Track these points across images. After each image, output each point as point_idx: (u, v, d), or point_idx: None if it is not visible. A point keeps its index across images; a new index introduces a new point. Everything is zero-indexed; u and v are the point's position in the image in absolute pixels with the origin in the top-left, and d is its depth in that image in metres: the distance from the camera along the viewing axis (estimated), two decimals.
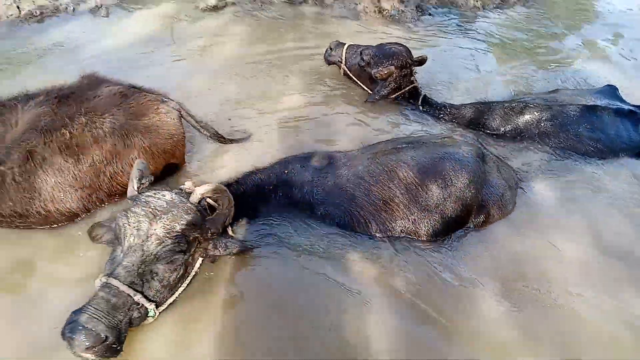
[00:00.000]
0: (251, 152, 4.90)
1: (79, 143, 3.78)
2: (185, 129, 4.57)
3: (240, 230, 3.84)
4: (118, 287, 2.88)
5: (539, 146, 5.11)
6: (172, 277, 3.16)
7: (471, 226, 4.07)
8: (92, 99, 4.04)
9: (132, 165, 3.83)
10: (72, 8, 7.96)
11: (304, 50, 6.99)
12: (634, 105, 5.43)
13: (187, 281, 3.31)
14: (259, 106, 5.70)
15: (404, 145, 4.29)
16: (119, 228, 3.08)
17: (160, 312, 3.16)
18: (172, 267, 3.13)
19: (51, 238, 3.83)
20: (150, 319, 3.12)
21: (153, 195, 3.19)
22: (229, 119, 5.40)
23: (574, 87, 6.14)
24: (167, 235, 3.05)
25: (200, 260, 3.39)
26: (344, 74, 6.16)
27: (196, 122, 4.69)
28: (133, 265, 2.97)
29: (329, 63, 6.34)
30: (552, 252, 3.87)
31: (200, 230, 3.22)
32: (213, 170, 4.63)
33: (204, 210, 3.36)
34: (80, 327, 2.66)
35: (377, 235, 3.85)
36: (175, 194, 3.25)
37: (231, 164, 4.65)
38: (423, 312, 3.36)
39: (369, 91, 5.84)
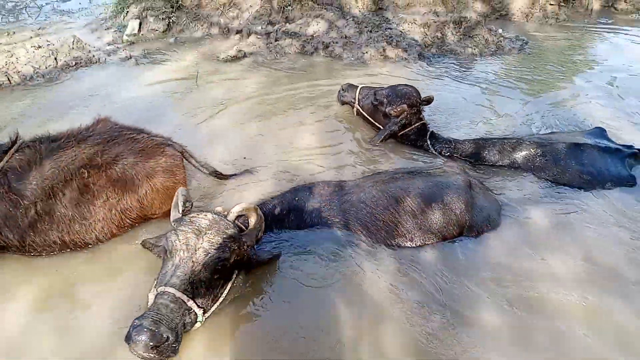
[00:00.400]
0: (258, 183, 5.41)
1: (95, 182, 4.27)
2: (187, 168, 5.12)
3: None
4: (174, 294, 3.29)
5: (534, 178, 5.61)
6: (216, 286, 3.61)
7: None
8: (106, 142, 4.52)
9: (139, 201, 4.44)
10: (104, 59, 8.74)
11: (317, 92, 7.64)
12: (619, 145, 5.96)
13: (225, 291, 3.72)
14: (274, 142, 6.26)
15: (400, 175, 4.85)
16: (170, 244, 3.55)
17: (205, 319, 3.55)
18: (216, 277, 3.57)
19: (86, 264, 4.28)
20: (198, 325, 3.48)
21: (196, 216, 3.70)
22: (244, 157, 5.89)
23: (566, 127, 6.69)
24: (212, 248, 3.52)
25: (235, 272, 3.82)
26: (357, 113, 6.72)
27: (196, 162, 5.18)
28: (185, 275, 3.41)
29: (343, 103, 6.99)
30: (542, 265, 4.32)
31: (238, 243, 3.68)
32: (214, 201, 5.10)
33: (239, 226, 3.87)
34: (145, 330, 3.03)
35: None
36: (214, 214, 3.76)
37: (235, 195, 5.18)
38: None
39: (381, 127, 6.36)
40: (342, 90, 6.93)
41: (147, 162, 4.58)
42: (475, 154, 5.95)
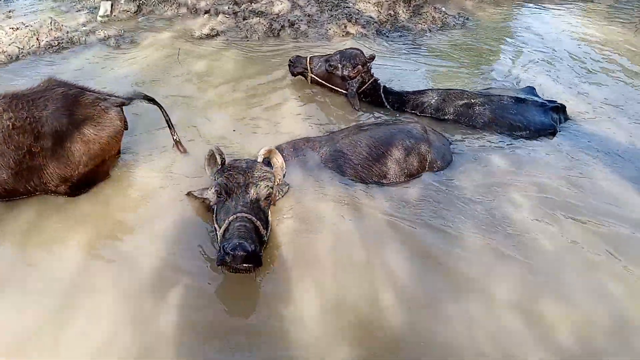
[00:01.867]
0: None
1: (20, 132, 4.55)
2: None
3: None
4: (245, 216, 4.01)
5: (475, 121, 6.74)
6: (267, 212, 4.38)
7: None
8: (39, 98, 4.74)
9: (62, 156, 4.72)
10: (83, 39, 9.22)
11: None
12: (545, 100, 7.16)
13: (270, 219, 4.46)
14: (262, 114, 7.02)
15: (367, 127, 5.91)
16: (222, 187, 4.30)
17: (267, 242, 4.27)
18: (266, 203, 4.35)
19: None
20: (265, 246, 4.19)
21: (234, 162, 4.55)
22: (233, 130, 6.51)
23: (502, 86, 7.97)
24: (258, 180, 4.31)
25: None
26: (311, 81, 7.51)
27: (169, 123, 5.67)
28: (246, 202, 4.17)
29: (295, 74, 7.64)
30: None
31: (273, 176, 4.48)
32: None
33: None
34: (238, 245, 3.65)
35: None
36: (246, 159, 4.65)
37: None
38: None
39: (339, 90, 7.26)
40: (292, 62, 7.56)
41: (77, 114, 4.80)
42: (423, 103, 7.01)
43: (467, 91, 7.08)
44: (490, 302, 4.01)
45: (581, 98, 7.57)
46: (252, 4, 10.72)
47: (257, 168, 4.44)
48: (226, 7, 10.61)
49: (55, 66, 8.22)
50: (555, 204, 5.14)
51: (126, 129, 5.40)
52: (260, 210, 4.25)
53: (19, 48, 8.56)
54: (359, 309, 3.91)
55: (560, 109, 6.98)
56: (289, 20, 10.13)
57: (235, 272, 3.83)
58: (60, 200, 4.96)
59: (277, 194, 4.70)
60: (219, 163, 4.53)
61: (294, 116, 6.87)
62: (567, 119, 6.98)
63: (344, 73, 7.13)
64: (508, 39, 10.04)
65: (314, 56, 7.59)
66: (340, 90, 7.31)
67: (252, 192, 4.26)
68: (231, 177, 4.33)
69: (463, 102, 6.86)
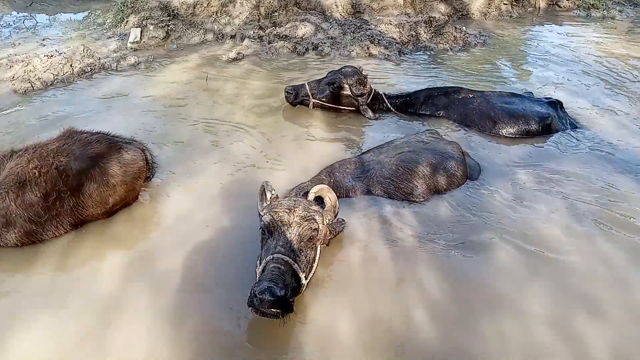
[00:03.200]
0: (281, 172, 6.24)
1: (47, 179, 4.66)
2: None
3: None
4: (282, 258, 3.86)
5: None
6: (310, 254, 4.15)
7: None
8: (62, 145, 4.93)
9: (90, 196, 4.81)
10: (115, 65, 9.53)
11: None
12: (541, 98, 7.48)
13: (317, 261, 4.24)
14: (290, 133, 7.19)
15: (406, 148, 5.86)
16: (267, 225, 4.15)
17: (305, 286, 4.06)
18: (309, 245, 4.14)
19: None
20: (303, 288, 4.00)
21: (283, 200, 4.40)
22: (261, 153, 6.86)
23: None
24: (302, 220, 4.14)
25: (319, 246, 4.31)
26: (313, 106, 7.52)
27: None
28: (286, 243, 4.00)
29: (296, 104, 7.60)
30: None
31: (322, 217, 4.29)
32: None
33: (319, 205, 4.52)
34: (267, 288, 3.55)
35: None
36: (295, 197, 4.52)
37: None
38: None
39: (345, 108, 7.43)
40: (290, 93, 7.52)
41: (100, 160, 4.98)
42: (426, 101, 7.36)
43: (464, 87, 7.51)
44: (523, 318, 4.00)
45: (607, 113, 7.59)
46: (277, 28, 11.01)
47: (303, 207, 4.29)
48: (251, 32, 10.90)
49: (88, 91, 8.50)
50: (587, 219, 5.14)
51: (149, 176, 5.64)
52: (301, 252, 4.09)
53: (53, 75, 8.88)
54: (393, 326, 3.94)
55: (557, 104, 7.20)
56: (312, 43, 10.37)
57: (262, 316, 3.66)
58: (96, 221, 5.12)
59: (327, 234, 4.44)
60: (268, 199, 4.45)
61: (322, 135, 7.01)
62: (565, 115, 7.22)
63: (354, 91, 7.25)
64: (528, 56, 10.17)
65: (310, 81, 7.64)
66: (346, 108, 7.46)
67: (295, 233, 4.12)
68: (276, 214, 4.18)
69: (462, 96, 7.22)
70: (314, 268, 4.19)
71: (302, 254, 4.07)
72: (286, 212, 4.17)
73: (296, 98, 7.54)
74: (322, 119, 7.45)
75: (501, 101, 7.04)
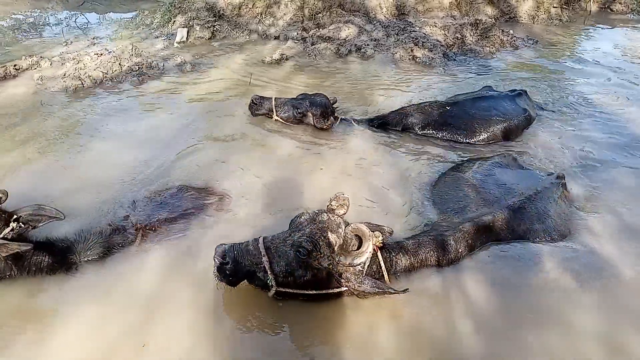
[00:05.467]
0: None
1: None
2: None
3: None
4: (258, 242, 3.85)
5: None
6: (298, 272, 3.82)
7: None
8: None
9: None
10: (162, 64, 9.72)
11: (357, 88, 8.68)
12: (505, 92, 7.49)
13: (312, 290, 3.91)
14: None
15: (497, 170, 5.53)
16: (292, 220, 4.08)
17: (278, 295, 3.93)
18: (300, 262, 3.80)
19: None
20: (271, 291, 3.88)
21: (322, 210, 4.02)
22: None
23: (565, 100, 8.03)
24: (308, 234, 3.82)
25: (341, 287, 3.92)
26: (276, 120, 7.25)
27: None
28: (277, 239, 3.90)
29: (257, 115, 7.31)
30: None
31: (331, 251, 3.79)
32: None
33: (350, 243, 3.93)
34: (219, 247, 3.84)
35: None
36: (335, 217, 3.95)
37: None
38: None
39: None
40: (255, 103, 7.25)
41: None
42: (400, 121, 7.20)
43: (437, 101, 7.43)
44: (571, 333, 3.88)
45: None
46: (320, 29, 11.02)
47: (326, 227, 3.86)
48: (295, 33, 10.94)
49: (135, 90, 8.70)
50: (638, 231, 4.95)
51: None
52: (284, 258, 3.84)
53: (103, 73, 9.12)
54: (435, 335, 3.87)
55: (523, 94, 7.38)
56: (355, 44, 10.34)
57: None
58: None
59: (351, 280, 3.88)
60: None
61: (364, 141, 6.93)
62: (536, 103, 7.45)
63: (316, 123, 7.02)
64: (579, 61, 9.84)
65: (278, 98, 7.38)
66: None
67: (294, 237, 3.89)
68: (303, 217, 4.02)
69: (439, 111, 7.06)
70: (303, 290, 3.91)
71: (286, 260, 3.83)
72: (309, 219, 3.94)
73: (258, 110, 7.28)
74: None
75: (479, 108, 7.03)
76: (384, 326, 3.93)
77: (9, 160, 6.33)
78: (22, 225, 4.28)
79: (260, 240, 3.94)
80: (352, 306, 4.08)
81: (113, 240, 4.62)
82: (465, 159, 6.31)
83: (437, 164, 6.24)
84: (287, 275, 3.86)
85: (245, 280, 4.01)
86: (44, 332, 3.87)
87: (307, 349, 3.77)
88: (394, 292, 3.85)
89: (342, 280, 3.87)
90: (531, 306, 4.12)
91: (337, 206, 3.89)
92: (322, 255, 3.80)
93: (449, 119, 6.94)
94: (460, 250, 4.44)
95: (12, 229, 4.19)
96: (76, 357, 3.71)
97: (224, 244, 3.94)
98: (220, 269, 3.87)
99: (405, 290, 3.89)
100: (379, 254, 4.06)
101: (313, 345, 3.80)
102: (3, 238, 4.10)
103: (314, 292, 3.94)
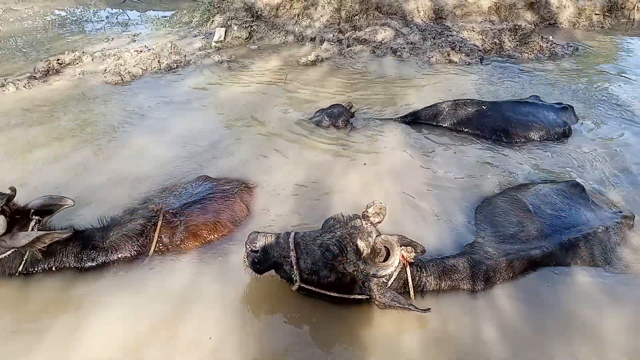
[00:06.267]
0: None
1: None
2: None
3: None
4: (288, 236, 3.93)
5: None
6: (323, 272, 3.84)
7: None
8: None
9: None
10: (200, 62, 9.88)
11: (390, 93, 8.66)
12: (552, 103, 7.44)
13: (340, 294, 3.93)
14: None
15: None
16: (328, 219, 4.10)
17: (301, 291, 3.98)
18: (325, 263, 3.81)
19: None
20: (294, 286, 3.94)
21: (359, 215, 4.00)
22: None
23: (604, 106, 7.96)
24: (339, 240, 3.82)
25: (362, 295, 3.90)
26: None
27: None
28: (307, 237, 3.96)
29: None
30: None
31: (357, 256, 3.75)
32: None
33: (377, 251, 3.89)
34: (253, 236, 3.92)
35: None
36: (368, 224, 3.90)
37: None
38: None
39: None
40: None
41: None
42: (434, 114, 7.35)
43: (475, 100, 7.50)
44: (600, 345, 3.81)
45: None
46: (356, 32, 11.03)
47: (355, 232, 3.84)
48: (331, 35, 10.97)
49: (173, 87, 8.86)
50: None
51: None
52: (311, 256, 3.89)
53: (142, 69, 9.33)
54: (461, 342, 3.84)
55: (569, 110, 7.29)
56: (391, 47, 10.32)
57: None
58: None
59: (376, 290, 3.79)
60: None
61: (398, 144, 6.89)
62: (577, 119, 7.34)
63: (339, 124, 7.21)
64: (620, 70, 9.58)
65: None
66: None
67: (324, 237, 3.93)
68: (339, 218, 4.05)
69: (474, 109, 7.13)
70: (325, 291, 3.93)
71: (312, 258, 3.87)
72: (342, 221, 3.97)
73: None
74: (397, 125, 7.38)
75: (518, 112, 7.03)
76: (410, 332, 3.92)
77: (48, 153, 6.55)
78: (41, 218, 4.33)
79: (292, 235, 4.02)
80: (378, 310, 4.03)
81: (135, 226, 4.65)
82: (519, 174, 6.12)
83: (479, 172, 6.18)
84: (312, 274, 3.91)
85: (273, 271, 4.07)
86: (79, 321, 3.98)
87: (333, 351, 3.78)
88: (414, 309, 3.78)
89: (365, 289, 3.83)
90: (559, 316, 4.06)
91: (373, 214, 3.84)
92: (347, 260, 3.78)
93: (482, 118, 6.99)
94: (498, 282, 4.27)
95: (37, 222, 4.25)
96: (108, 344, 3.80)
97: (257, 232, 4.03)
98: (249, 256, 3.98)
99: (427, 310, 3.83)
100: (407, 269, 3.99)
101: (339, 347, 3.81)
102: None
103: (335, 294, 3.95)
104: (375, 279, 3.77)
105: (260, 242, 3.94)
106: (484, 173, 6.10)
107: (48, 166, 6.21)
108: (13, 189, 4.18)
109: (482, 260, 4.30)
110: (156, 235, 4.63)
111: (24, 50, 10.88)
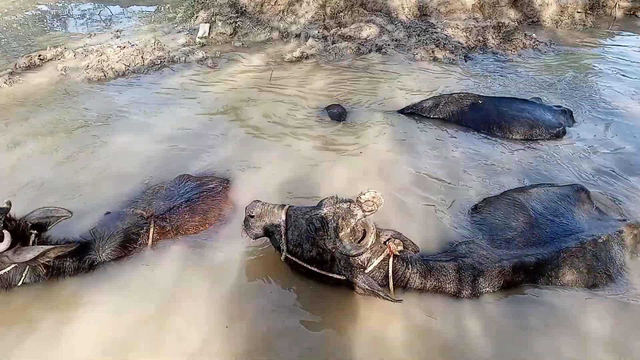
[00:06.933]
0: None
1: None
2: None
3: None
4: (281, 209, 4.20)
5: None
6: (306, 245, 4.05)
7: None
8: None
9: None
10: (183, 58, 9.80)
11: (376, 86, 8.67)
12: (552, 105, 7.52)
13: (321, 270, 4.06)
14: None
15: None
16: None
17: (287, 262, 4.22)
18: (308, 236, 4.02)
19: None
20: (282, 255, 4.18)
21: (349, 202, 4.02)
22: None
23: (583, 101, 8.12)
24: (323, 216, 3.98)
25: (340, 275, 4.00)
26: None
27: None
28: (298, 211, 4.19)
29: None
30: None
31: (335, 234, 3.89)
32: None
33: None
34: (252, 203, 4.29)
35: None
36: (355, 207, 3.90)
37: None
38: None
39: None
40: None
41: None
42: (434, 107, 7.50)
43: (472, 94, 7.67)
44: (582, 339, 3.87)
45: None
46: (342, 28, 11.02)
47: (339, 212, 3.96)
48: (316, 32, 10.95)
49: (156, 83, 8.80)
50: None
51: None
52: (297, 230, 4.12)
53: (125, 65, 9.24)
54: (445, 337, 3.87)
55: (567, 113, 7.37)
56: (376, 44, 10.32)
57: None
58: None
59: (351, 273, 3.97)
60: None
61: (385, 142, 6.87)
62: (574, 122, 7.38)
63: None
64: (601, 68, 9.69)
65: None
66: None
67: (312, 212, 4.10)
68: (331, 199, 4.15)
69: (470, 102, 7.31)
70: (309, 266, 4.10)
71: (298, 232, 4.09)
72: (333, 202, 4.08)
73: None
74: (383, 122, 7.39)
75: (515, 109, 7.17)
76: (396, 326, 3.94)
77: (30, 150, 6.49)
78: (37, 233, 4.22)
79: (285, 207, 4.29)
80: (364, 304, 4.10)
81: (129, 236, 4.61)
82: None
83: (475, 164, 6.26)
84: (297, 246, 4.15)
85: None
86: (66, 317, 3.98)
87: (319, 349, 3.79)
88: (384, 297, 3.84)
89: (342, 268, 3.99)
90: (541, 311, 4.10)
91: (365, 201, 3.81)
92: (327, 236, 3.95)
93: (478, 111, 7.16)
94: (488, 288, 4.18)
95: (36, 235, 4.17)
96: (96, 340, 3.81)
97: (258, 201, 4.39)
98: (247, 220, 4.37)
99: (398, 301, 3.93)
100: (390, 260, 4.04)
101: (324, 345, 3.83)
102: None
103: (316, 269, 4.11)
104: (350, 258, 3.92)
105: (257, 210, 4.30)
106: (478, 169, 6.11)
107: (31, 163, 6.16)
108: (9, 203, 4.09)
109: (474, 265, 4.20)
110: (149, 243, 4.65)
111: (4, 46, 10.72)
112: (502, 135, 6.85)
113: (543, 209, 4.84)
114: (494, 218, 4.89)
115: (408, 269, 4.14)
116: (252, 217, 4.32)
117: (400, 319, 3.99)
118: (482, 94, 7.80)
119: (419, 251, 4.22)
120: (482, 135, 6.94)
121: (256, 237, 4.43)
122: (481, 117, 7.08)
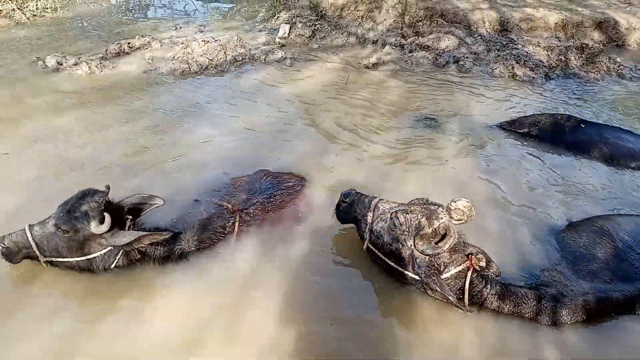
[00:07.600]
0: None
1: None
2: None
3: None
4: (372, 200, 4.42)
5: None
6: (387, 238, 4.18)
7: None
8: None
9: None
10: (263, 58, 10.07)
11: (451, 99, 8.64)
12: None
13: (397, 267, 4.14)
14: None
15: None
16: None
17: (368, 252, 4.40)
18: (390, 230, 4.15)
19: None
20: (365, 244, 4.37)
21: (440, 207, 4.07)
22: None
23: None
24: (407, 213, 4.09)
25: (415, 274, 4.02)
26: None
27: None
28: (386, 205, 4.34)
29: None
30: None
31: (415, 232, 3.99)
32: None
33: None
34: (347, 190, 4.67)
35: None
36: (442, 212, 3.99)
37: None
38: None
39: None
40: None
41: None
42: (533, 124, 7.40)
43: (574, 116, 7.57)
44: None
45: None
46: (419, 38, 11.03)
47: (418, 214, 4.05)
48: (393, 39, 11.02)
49: (237, 79, 9.07)
50: None
51: None
52: (374, 221, 4.34)
53: (209, 59, 9.57)
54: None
55: None
56: (454, 56, 10.27)
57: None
58: None
59: (425, 273, 3.95)
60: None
61: (467, 156, 6.78)
62: None
63: None
64: None
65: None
66: None
67: (395, 210, 4.22)
68: (415, 200, 4.32)
69: (572, 124, 7.19)
70: (388, 261, 4.21)
71: (382, 225, 4.25)
72: (421, 203, 4.20)
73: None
74: (459, 132, 7.36)
75: (616, 136, 6.99)
76: (466, 338, 3.92)
77: (118, 134, 6.82)
78: (132, 218, 4.38)
79: (376, 199, 4.50)
80: (440, 309, 4.09)
81: (216, 229, 4.77)
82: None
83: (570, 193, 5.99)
84: (378, 237, 4.31)
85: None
86: (146, 295, 4.13)
87: (394, 347, 3.81)
88: (454, 302, 3.82)
89: (417, 267, 4.00)
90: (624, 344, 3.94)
91: (454, 209, 3.84)
92: (408, 232, 4.05)
93: (581, 135, 7.02)
94: (569, 322, 3.99)
95: (131, 221, 4.32)
96: (173, 324, 3.91)
97: (353, 189, 4.76)
98: (339, 205, 4.74)
99: (469, 310, 3.92)
100: (469, 273, 4.00)
101: (399, 345, 3.83)
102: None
103: (394, 264, 4.19)
104: (427, 258, 3.94)
105: (351, 196, 4.65)
106: (572, 192, 5.92)
107: (117, 146, 6.47)
108: (108, 187, 4.22)
109: (557, 296, 4.04)
110: (234, 237, 4.81)
111: (92, 32, 11.32)
112: (604, 161, 6.64)
113: (632, 240, 4.56)
114: (579, 246, 4.66)
115: (486, 288, 4.06)
116: (345, 202, 4.65)
117: (472, 334, 3.94)
118: (571, 115, 7.63)
119: (500, 274, 4.14)
120: (583, 158, 6.74)
121: (344, 222, 4.77)
122: (583, 141, 6.92)
